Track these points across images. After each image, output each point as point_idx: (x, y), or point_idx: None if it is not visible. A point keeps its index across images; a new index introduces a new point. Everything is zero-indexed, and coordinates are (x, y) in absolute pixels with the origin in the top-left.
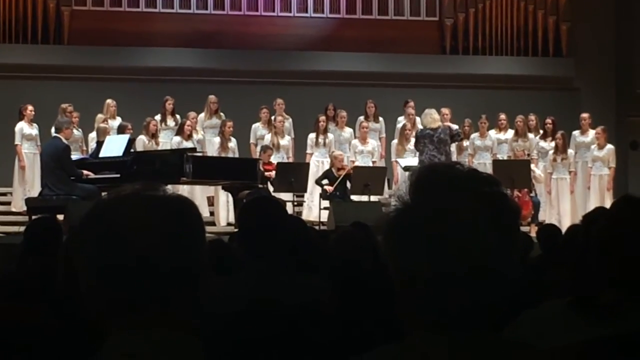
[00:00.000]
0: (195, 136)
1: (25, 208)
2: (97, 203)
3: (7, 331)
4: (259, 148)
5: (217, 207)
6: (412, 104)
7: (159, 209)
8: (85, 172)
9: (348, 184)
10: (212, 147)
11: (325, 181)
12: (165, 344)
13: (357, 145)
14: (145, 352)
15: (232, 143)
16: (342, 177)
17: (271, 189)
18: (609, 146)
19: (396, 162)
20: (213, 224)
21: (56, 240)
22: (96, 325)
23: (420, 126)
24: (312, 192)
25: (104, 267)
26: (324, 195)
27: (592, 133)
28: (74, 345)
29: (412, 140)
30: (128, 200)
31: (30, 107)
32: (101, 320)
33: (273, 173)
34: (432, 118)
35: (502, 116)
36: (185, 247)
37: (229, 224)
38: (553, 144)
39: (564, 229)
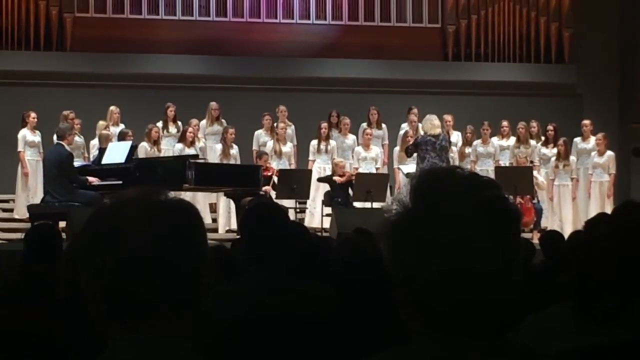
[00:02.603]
0: (197, 144)
1: (27, 215)
2: (98, 208)
3: (11, 335)
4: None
5: (218, 213)
6: (415, 110)
7: (160, 214)
8: (90, 178)
9: (350, 191)
10: (213, 153)
11: (336, 178)
12: (167, 349)
13: (360, 152)
14: (148, 357)
15: (234, 150)
16: (346, 180)
17: (273, 195)
18: (609, 153)
19: (398, 169)
20: (215, 230)
21: (55, 246)
22: (99, 330)
23: (421, 132)
24: (315, 199)
25: (106, 271)
26: (326, 202)
27: (593, 140)
28: (76, 349)
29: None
30: (129, 204)
31: (33, 114)
32: (104, 325)
33: (273, 179)
34: (433, 124)
35: (505, 123)
36: (187, 252)
37: (227, 231)
38: (555, 150)
39: (566, 236)
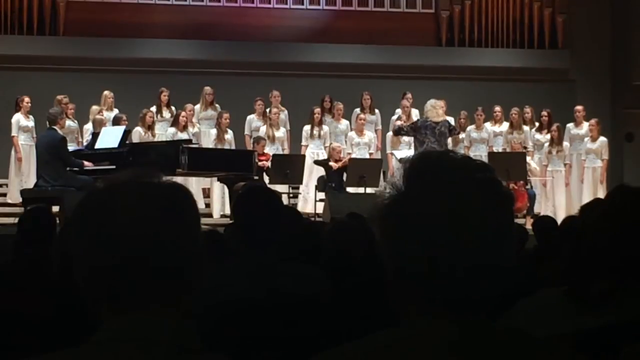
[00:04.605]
0: (191, 129)
1: (20, 199)
2: (91, 191)
3: (3, 318)
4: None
5: (212, 199)
6: (409, 95)
7: (153, 196)
8: (86, 162)
9: (344, 176)
10: (208, 138)
11: (333, 164)
12: (159, 329)
13: (353, 137)
14: (140, 337)
15: (229, 135)
16: (341, 166)
17: (267, 180)
18: (602, 138)
19: (391, 154)
20: (209, 215)
21: (49, 230)
22: (91, 311)
23: (415, 118)
24: (308, 184)
25: (98, 255)
26: (319, 187)
27: (586, 125)
28: (69, 332)
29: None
30: (122, 187)
31: (26, 99)
32: (97, 306)
33: (268, 163)
34: (437, 113)
35: (497, 108)
36: (180, 234)
37: (223, 216)
38: (549, 136)
39: (559, 221)
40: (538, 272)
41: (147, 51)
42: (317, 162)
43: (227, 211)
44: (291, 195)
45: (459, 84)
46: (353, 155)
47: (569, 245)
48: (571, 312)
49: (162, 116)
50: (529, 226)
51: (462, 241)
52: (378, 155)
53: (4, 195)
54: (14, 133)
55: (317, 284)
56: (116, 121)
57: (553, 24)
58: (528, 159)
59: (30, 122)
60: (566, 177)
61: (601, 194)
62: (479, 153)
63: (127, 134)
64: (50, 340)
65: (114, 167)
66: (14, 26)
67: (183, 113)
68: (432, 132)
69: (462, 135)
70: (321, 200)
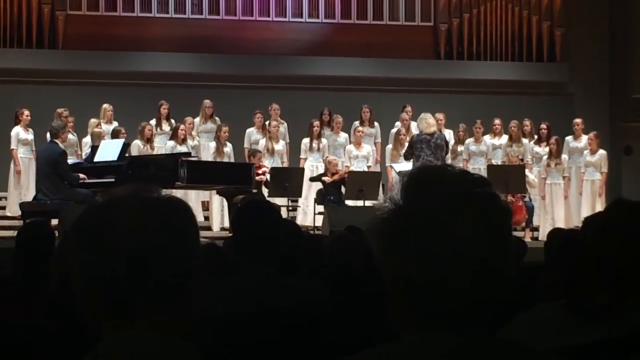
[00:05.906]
0: (190, 142)
1: (19, 212)
2: (90, 206)
3: (2, 332)
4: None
5: (212, 212)
6: (408, 108)
7: (152, 211)
8: (81, 175)
9: (343, 189)
10: (207, 151)
11: (326, 178)
12: (159, 344)
13: (352, 150)
14: (139, 352)
15: (228, 148)
16: (337, 179)
17: (266, 193)
18: (601, 151)
19: (390, 167)
20: (208, 228)
21: (48, 243)
22: (91, 326)
23: (414, 131)
24: (307, 197)
25: (97, 269)
26: (318, 200)
27: (585, 138)
28: (68, 346)
29: (406, 145)
30: (121, 202)
31: (26, 112)
32: (96, 321)
33: (266, 176)
34: (428, 123)
35: (497, 121)
36: (179, 249)
37: (222, 229)
38: (547, 149)
39: None
40: (536, 284)
41: (147, 64)
42: (312, 179)
43: (227, 224)
44: (290, 208)
45: (458, 97)
46: (351, 168)
47: (568, 258)
48: (570, 326)
49: (161, 129)
50: (527, 239)
51: (459, 255)
52: (377, 168)
53: (3, 208)
54: (13, 146)
55: (316, 298)
56: (115, 134)
57: (551, 38)
58: (527, 171)
59: (29, 135)
60: (565, 189)
61: (600, 207)
62: (478, 166)
63: (126, 147)
64: (49, 355)
65: (113, 180)
66: (13, 40)
67: (182, 126)
68: (427, 145)
69: (460, 148)
70: (320, 213)
